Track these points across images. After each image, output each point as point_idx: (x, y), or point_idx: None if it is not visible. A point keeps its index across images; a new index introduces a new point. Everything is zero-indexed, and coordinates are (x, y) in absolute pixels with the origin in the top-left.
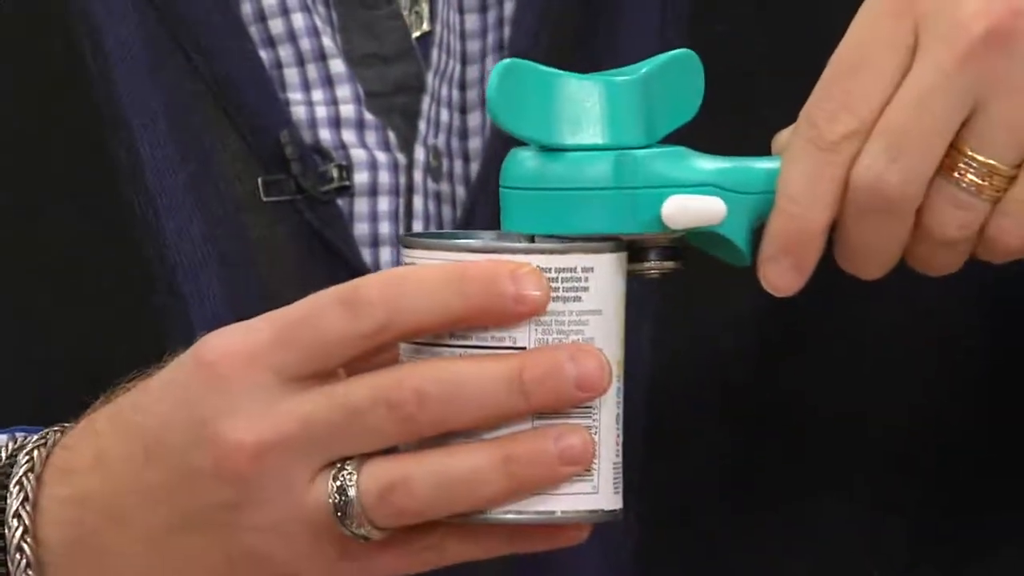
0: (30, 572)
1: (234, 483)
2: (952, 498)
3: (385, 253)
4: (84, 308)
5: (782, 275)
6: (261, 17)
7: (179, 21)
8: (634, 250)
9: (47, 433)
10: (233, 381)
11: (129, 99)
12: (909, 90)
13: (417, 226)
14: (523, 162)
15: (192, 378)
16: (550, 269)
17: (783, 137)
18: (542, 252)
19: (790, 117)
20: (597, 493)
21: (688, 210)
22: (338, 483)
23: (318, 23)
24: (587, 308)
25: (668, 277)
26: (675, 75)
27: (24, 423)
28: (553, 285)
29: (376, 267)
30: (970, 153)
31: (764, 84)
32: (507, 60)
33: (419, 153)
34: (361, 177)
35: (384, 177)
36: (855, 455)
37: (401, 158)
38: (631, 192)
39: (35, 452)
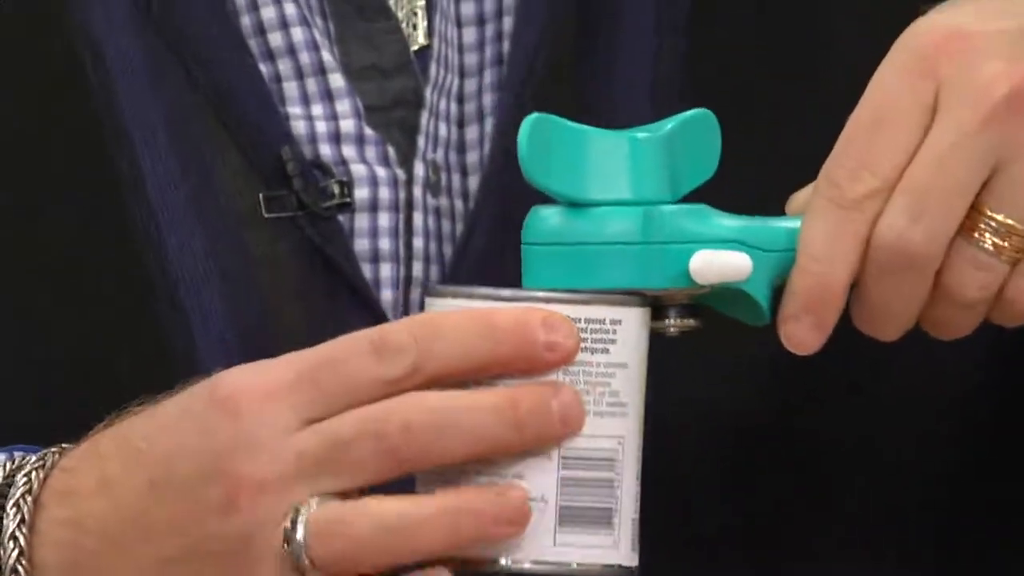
0: None
1: (240, 517)
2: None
3: (385, 269)
4: (86, 315)
5: (803, 333)
6: (260, 30)
7: (178, 34)
8: (654, 307)
9: (46, 454)
10: (249, 417)
11: (131, 112)
12: (931, 150)
13: (418, 242)
14: (547, 218)
15: (206, 411)
16: (579, 319)
17: (799, 198)
18: (571, 302)
19: (790, 120)
20: (616, 548)
21: (715, 265)
22: (294, 515)
23: (317, 36)
24: (614, 361)
25: (686, 335)
26: (695, 133)
27: (24, 426)
28: (582, 336)
29: (376, 283)
30: (990, 213)
31: (763, 89)
32: (534, 115)
33: (418, 168)
34: (361, 193)
35: (384, 193)
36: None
37: (400, 173)
38: (659, 247)
39: (33, 474)
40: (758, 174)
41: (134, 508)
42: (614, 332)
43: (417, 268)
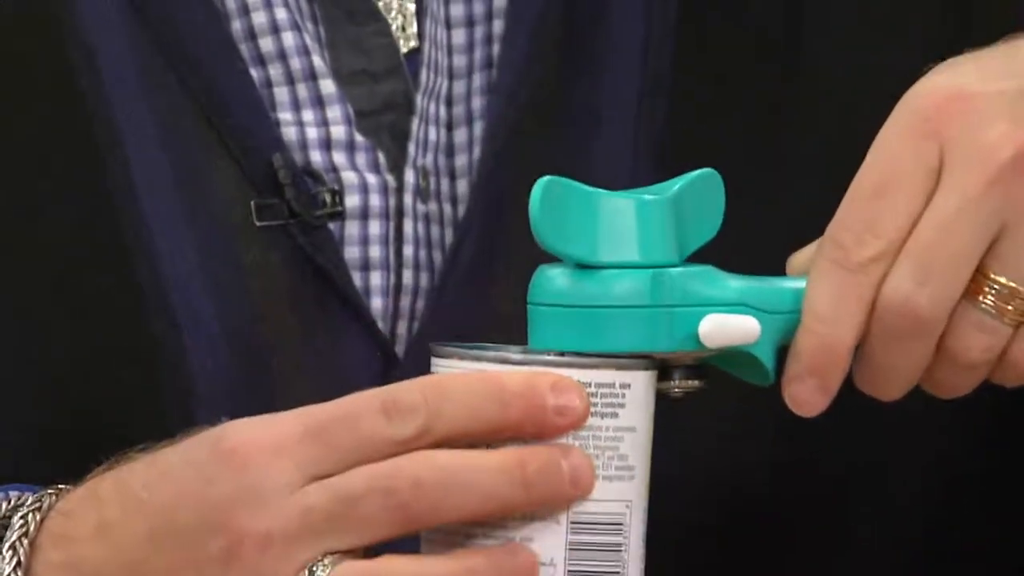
0: None
1: (241, 570)
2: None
3: (375, 277)
4: (78, 318)
5: (808, 395)
6: (251, 35)
7: (170, 38)
8: (659, 369)
9: (43, 496)
10: (255, 470)
11: (122, 116)
12: (936, 214)
13: (408, 250)
14: (554, 279)
15: (211, 461)
16: (589, 384)
17: (799, 258)
18: (582, 366)
19: (776, 124)
20: None
21: (725, 329)
22: (310, 575)
23: (308, 41)
24: (623, 425)
25: (691, 396)
26: (700, 193)
27: (21, 425)
28: (592, 400)
29: (367, 291)
30: (993, 276)
31: (749, 97)
32: (546, 178)
33: (409, 175)
34: (352, 200)
35: (375, 200)
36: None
37: (391, 180)
38: (668, 310)
39: (30, 515)
40: (743, 233)
41: (132, 555)
42: (623, 396)
43: (407, 276)
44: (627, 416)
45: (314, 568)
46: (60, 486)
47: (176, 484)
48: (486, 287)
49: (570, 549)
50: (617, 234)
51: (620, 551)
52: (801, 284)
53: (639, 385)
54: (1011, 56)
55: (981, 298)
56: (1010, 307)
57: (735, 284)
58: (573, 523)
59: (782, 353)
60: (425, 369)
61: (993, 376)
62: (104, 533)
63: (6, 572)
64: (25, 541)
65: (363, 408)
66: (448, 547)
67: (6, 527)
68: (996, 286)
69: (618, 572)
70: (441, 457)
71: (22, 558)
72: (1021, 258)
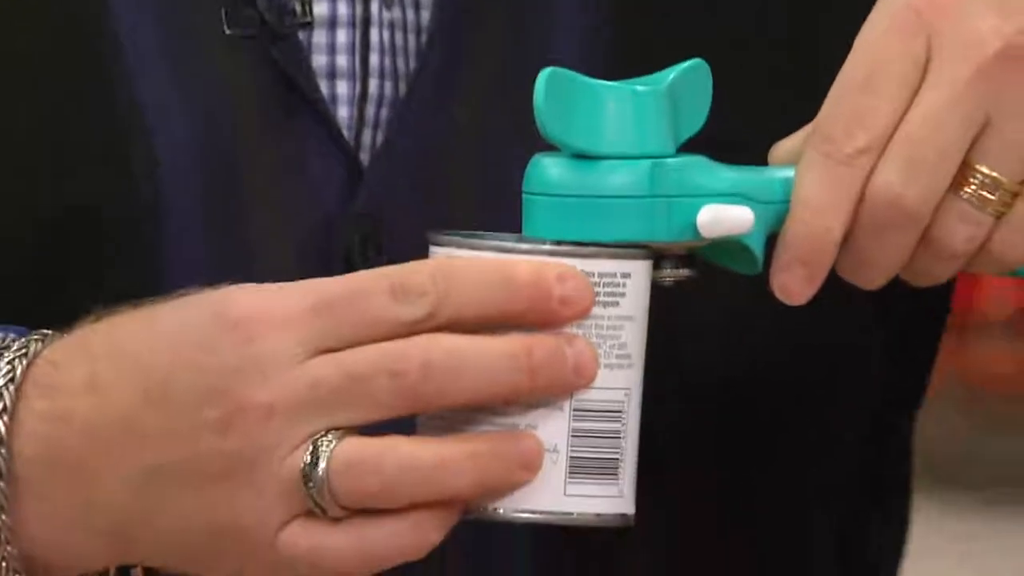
0: (1, 483)
1: (239, 440)
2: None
3: (342, 86)
4: (49, 127)
5: (795, 284)
6: None
7: None
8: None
9: (28, 342)
10: (260, 341)
11: None
12: (924, 107)
13: (374, 58)
14: (550, 168)
15: (213, 329)
16: (593, 273)
17: (783, 147)
18: (585, 256)
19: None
20: (621, 497)
21: (722, 219)
22: (314, 449)
23: None
24: (623, 314)
25: (681, 286)
26: (690, 83)
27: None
28: (595, 289)
29: (333, 99)
30: (977, 167)
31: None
32: (549, 69)
33: None
34: (320, 8)
35: (342, 8)
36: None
37: None
38: (666, 200)
39: (16, 361)
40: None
41: (125, 412)
42: (624, 285)
43: (373, 85)
44: (627, 305)
45: (318, 442)
46: (44, 331)
47: (174, 349)
48: (451, 96)
49: (572, 436)
50: (617, 125)
51: (619, 438)
52: (790, 173)
53: (639, 274)
54: None
55: (965, 188)
56: (993, 197)
57: (728, 175)
58: (576, 410)
59: (770, 242)
60: (391, 182)
61: (972, 266)
62: (95, 388)
63: None
64: (11, 387)
65: (372, 287)
66: (448, 433)
67: None
68: (979, 176)
69: (617, 459)
70: (449, 340)
71: (8, 404)
72: (1005, 150)
